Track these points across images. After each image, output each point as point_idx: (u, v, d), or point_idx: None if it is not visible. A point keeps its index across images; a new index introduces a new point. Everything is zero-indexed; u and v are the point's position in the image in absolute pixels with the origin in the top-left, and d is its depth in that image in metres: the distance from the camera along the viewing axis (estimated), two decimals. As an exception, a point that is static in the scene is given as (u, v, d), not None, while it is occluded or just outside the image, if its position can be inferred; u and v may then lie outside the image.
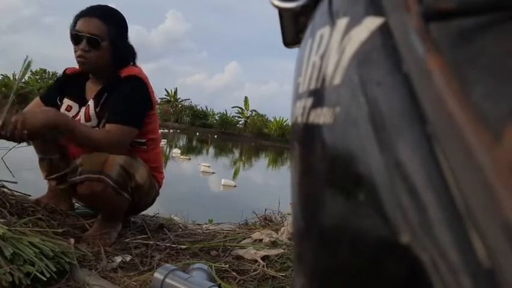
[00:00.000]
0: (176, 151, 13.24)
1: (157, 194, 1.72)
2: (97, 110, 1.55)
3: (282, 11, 0.41)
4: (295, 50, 0.40)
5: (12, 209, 1.45)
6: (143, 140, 1.62)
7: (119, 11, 1.63)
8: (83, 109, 1.59)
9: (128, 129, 1.50)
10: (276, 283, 1.26)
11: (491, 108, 0.16)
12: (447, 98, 0.18)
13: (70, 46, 1.56)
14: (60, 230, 1.35)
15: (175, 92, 36.92)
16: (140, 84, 1.56)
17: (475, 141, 0.16)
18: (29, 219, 1.36)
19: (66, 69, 1.73)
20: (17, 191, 1.68)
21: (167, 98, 37.01)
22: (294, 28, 0.41)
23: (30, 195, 1.74)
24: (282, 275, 1.30)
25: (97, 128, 1.54)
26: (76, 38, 1.51)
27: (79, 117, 1.58)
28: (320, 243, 0.27)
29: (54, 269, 1.08)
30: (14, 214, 1.42)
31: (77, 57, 1.52)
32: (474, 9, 0.18)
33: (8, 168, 1.68)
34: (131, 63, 1.62)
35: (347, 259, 0.24)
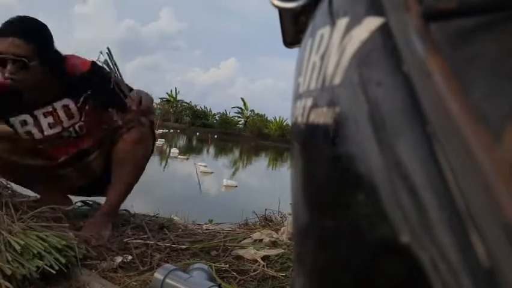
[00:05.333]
0: (174, 151, 13.32)
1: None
2: (79, 105, 1.53)
3: (282, 11, 0.41)
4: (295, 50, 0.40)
5: (15, 207, 1.45)
6: None
7: (38, 19, 1.47)
8: (58, 111, 1.52)
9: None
10: (276, 283, 1.26)
11: (491, 108, 0.16)
12: (447, 98, 0.18)
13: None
14: (66, 224, 1.34)
15: (177, 93, 36.87)
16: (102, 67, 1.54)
17: (475, 141, 0.16)
18: (33, 214, 1.37)
19: None
20: (17, 191, 1.69)
21: (168, 98, 36.99)
22: (294, 28, 0.41)
23: (30, 196, 1.75)
24: (282, 275, 1.30)
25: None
26: None
27: (53, 121, 1.53)
28: (320, 243, 0.27)
29: (64, 261, 1.09)
30: (18, 210, 1.42)
31: (6, 79, 1.38)
32: (474, 9, 0.18)
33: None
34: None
35: (346, 259, 0.24)
